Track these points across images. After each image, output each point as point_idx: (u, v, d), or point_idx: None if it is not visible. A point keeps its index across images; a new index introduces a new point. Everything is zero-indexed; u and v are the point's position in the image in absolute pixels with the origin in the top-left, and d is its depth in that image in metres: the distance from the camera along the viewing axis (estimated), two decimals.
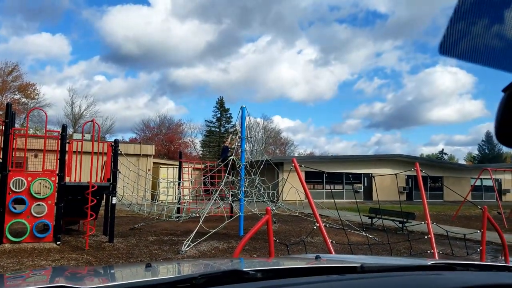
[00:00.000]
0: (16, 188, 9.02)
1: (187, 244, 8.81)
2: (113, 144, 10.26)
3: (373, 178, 29.57)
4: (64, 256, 8.07)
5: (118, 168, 10.53)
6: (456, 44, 0.83)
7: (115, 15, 76.88)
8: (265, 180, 12.77)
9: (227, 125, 52.94)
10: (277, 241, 6.97)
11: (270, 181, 14.27)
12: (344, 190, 29.82)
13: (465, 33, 0.82)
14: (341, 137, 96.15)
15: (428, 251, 8.34)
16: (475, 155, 71.87)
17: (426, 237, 8.64)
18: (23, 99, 43.20)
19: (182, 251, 8.55)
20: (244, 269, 1.33)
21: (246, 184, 11.86)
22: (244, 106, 11.88)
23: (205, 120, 59.08)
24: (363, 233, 11.49)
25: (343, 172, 29.20)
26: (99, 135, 10.16)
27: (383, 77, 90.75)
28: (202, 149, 55.81)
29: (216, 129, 54.45)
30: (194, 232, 9.26)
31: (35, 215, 9.03)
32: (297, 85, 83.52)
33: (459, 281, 1.38)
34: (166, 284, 1.18)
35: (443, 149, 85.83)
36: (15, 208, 9.01)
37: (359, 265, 1.49)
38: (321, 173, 28.69)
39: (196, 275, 1.23)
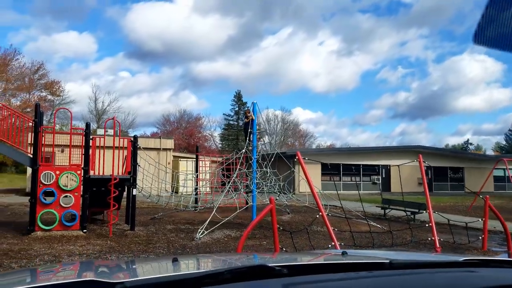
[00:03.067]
0: (46, 181, 9.91)
1: (201, 232, 9.55)
2: (132, 139, 11.09)
3: (389, 169, 29.74)
4: (90, 242, 8.94)
5: (138, 161, 11.35)
6: (491, 32, 0.79)
7: (138, 12, 78.76)
8: (276, 172, 13.39)
9: (245, 119, 53.75)
10: (281, 228, 7.60)
11: (284, 173, 14.90)
12: (362, 182, 30.17)
13: (500, 21, 0.77)
14: (364, 128, 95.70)
15: (429, 239, 8.84)
16: (502, 145, 70.48)
17: (427, 225, 9.12)
18: (49, 97, 45.06)
19: (197, 238, 9.30)
20: (271, 265, 1.32)
21: (258, 176, 12.52)
22: (255, 101, 12.55)
23: (223, 114, 59.93)
24: (372, 223, 12.02)
25: (354, 164, 29.59)
26: (120, 131, 10.98)
27: (407, 66, 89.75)
28: (221, 142, 56.79)
29: (234, 122, 55.25)
30: (208, 221, 10.01)
31: (63, 205, 9.91)
32: (319, 77, 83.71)
33: (493, 279, 1.33)
34: (193, 279, 1.21)
35: (468, 139, 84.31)
36: (45, 199, 9.91)
37: (388, 261, 1.48)
38: (338, 165, 29.18)
39: (223, 271, 1.26)
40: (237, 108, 55.43)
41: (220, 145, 56.26)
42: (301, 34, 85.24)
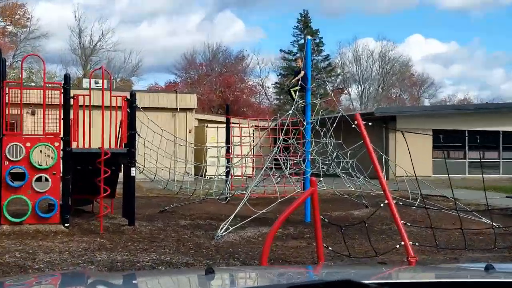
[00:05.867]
0: (12, 157, 11.65)
1: (225, 228, 11.18)
2: (128, 98, 12.73)
3: None
4: (74, 239, 10.87)
5: (138, 129, 13.05)
6: None
7: None
8: (341, 143, 14.64)
9: (316, 58, 54.44)
10: (326, 220, 8.99)
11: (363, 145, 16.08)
12: (501, 160, 30.31)
13: None
14: None
15: None
16: None
17: None
18: (11, 28, 48.27)
19: (218, 236, 10.96)
20: (362, 281, 1.44)
21: (314, 151, 13.88)
22: (310, 37, 13.80)
23: (280, 50, 60.72)
24: (485, 220, 13.08)
25: (486, 131, 29.70)
26: (111, 86, 12.66)
27: None
28: (277, 96, 58.05)
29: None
30: (234, 214, 11.60)
31: (38, 190, 11.74)
32: None
33: None
34: None
35: None
36: (12, 182, 11.66)
37: None
38: (461, 136, 29.38)
39: (297, 284, 1.45)
40: (302, 41, 56.34)
41: (275, 102, 57.74)
42: None
